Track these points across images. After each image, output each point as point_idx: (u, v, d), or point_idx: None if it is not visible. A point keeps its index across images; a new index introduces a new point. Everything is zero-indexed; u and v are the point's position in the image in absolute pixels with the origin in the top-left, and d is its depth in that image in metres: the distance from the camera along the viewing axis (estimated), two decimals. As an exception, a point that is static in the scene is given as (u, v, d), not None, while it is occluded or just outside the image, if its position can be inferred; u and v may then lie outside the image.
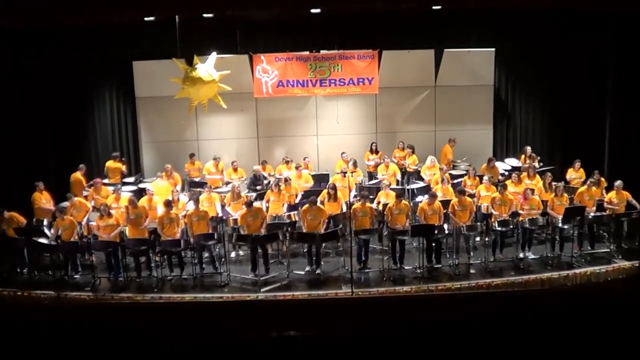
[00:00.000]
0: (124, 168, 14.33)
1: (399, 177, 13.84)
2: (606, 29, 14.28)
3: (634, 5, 10.15)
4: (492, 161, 13.90)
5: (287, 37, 15.35)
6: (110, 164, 14.14)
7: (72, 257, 11.07)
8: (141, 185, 13.52)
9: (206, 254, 11.24)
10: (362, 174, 14.08)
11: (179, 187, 12.94)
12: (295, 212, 11.73)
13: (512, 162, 14.80)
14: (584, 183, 12.24)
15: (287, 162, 14.20)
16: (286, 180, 12.62)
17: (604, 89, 14.92)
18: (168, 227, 10.76)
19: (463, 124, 15.96)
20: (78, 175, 13.34)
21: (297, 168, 13.51)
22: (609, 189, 12.07)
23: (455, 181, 13.04)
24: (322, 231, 10.86)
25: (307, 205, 11.09)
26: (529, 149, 14.55)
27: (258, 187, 13.21)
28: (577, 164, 13.28)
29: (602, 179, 12.54)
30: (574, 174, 13.26)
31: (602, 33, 14.38)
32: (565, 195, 11.59)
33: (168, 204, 10.93)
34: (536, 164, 13.86)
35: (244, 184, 13.52)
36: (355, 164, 13.75)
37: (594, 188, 11.80)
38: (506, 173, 13.63)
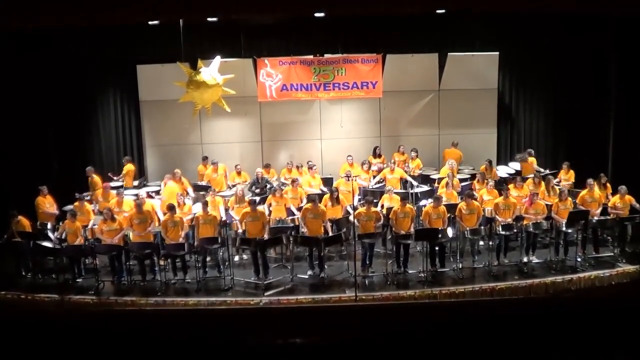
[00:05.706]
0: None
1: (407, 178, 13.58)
2: (609, 31, 14.24)
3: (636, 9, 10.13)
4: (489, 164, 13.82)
5: (291, 41, 15.38)
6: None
7: (77, 261, 11.08)
8: (145, 189, 13.50)
9: (208, 258, 11.19)
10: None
11: (190, 191, 12.91)
12: (298, 216, 11.67)
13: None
14: (576, 186, 12.14)
15: (296, 167, 14.09)
16: (293, 181, 12.60)
17: (608, 93, 14.90)
18: (172, 231, 10.76)
19: (467, 128, 15.94)
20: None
21: (310, 169, 13.46)
22: (612, 193, 12.01)
23: (463, 184, 12.98)
24: (323, 234, 10.84)
25: (309, 204, 11.08)
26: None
27: (257, 190, 13.13)
28: (565, 166, 13.31)
29: (608, 183, 12.47)
30: (564, 176, 13.28)
31: (606, 36, 14.36)
32: (570, 199, 11.55)
33: (171, 209, 10.93)
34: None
35: (247, 187, 13.49)
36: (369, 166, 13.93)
37: (598, 190, 11.74)
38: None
